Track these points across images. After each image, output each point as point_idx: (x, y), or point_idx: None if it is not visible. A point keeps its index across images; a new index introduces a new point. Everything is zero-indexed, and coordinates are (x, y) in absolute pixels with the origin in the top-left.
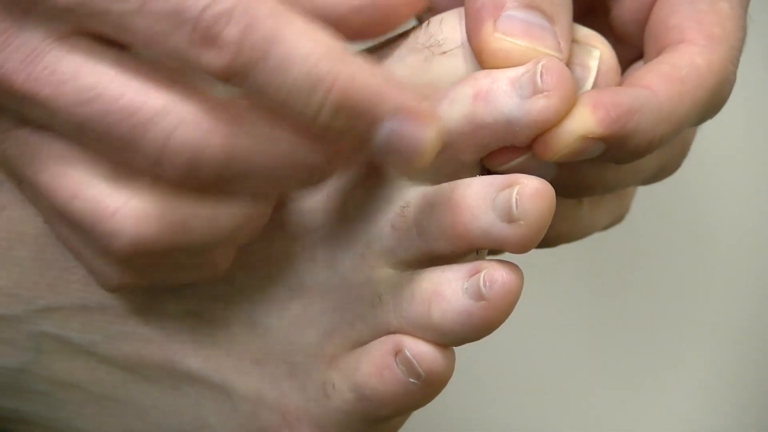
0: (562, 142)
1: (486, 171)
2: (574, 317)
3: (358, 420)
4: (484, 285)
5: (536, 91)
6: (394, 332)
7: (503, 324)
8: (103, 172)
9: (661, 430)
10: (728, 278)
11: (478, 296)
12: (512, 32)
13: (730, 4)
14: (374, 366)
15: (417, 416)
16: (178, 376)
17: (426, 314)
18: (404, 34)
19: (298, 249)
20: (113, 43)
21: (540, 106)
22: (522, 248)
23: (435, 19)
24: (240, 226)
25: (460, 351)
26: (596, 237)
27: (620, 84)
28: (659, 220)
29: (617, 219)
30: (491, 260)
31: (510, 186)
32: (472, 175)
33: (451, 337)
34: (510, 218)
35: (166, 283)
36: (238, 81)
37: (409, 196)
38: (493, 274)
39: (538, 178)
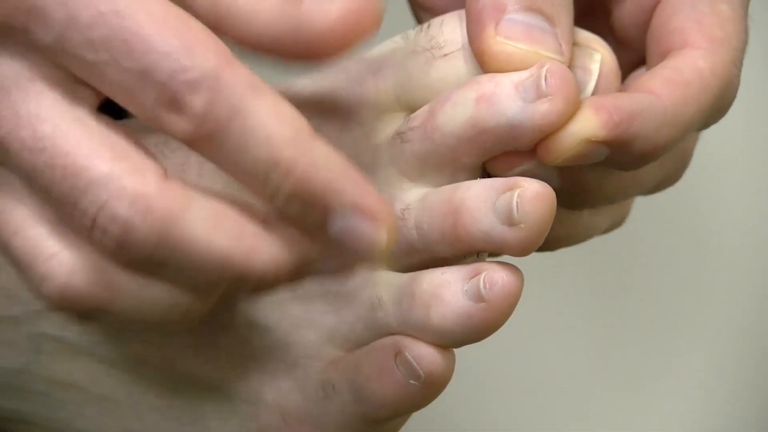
0: (566, 145)
1: (487, 174)
2: (574, 319)
3: (357, 421)
4: (484, 287)
5: (540, 95)
6: (394, 334)
7: (503, 326)
8: (49, 216)
9: (661, 430)
10: (727, 279)
11: (478, 298)
12: (514, 36)
13: (730, 5)
14: (374, 367)
15: (417, 417)
16: (177, 377)
17: (426, 316)
18: (404, 37)
19: None
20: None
21: (544, 110)
22: (522, 251)
23: (435, 21)
24: (167, 312)
25: (460, 352)
26: (596, 239)
27: (621, 87)
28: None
29: (617, 223)
30: (491, 262)
31: (511, 189)
32: (473, 178)
33: (451, 339)
34: (511, 221)
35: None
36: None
37: (409, 199)
38: (493, 275)
39: (539, 181)
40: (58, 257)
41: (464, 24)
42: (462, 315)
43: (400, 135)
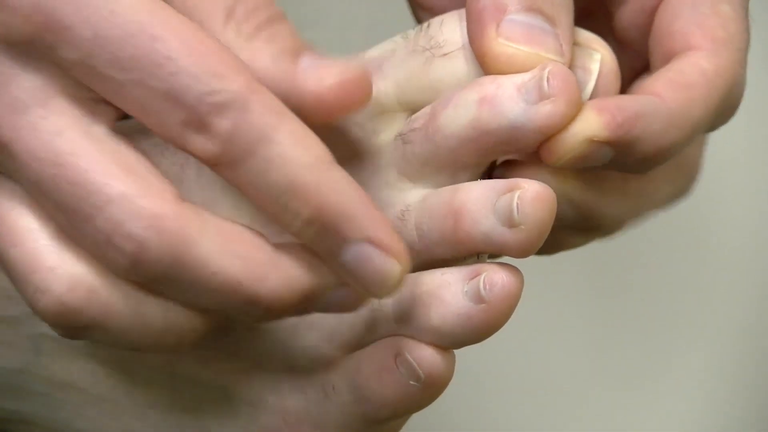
0: (568, 145)
1: (487, 175)
2: (574, 319)
3: (357, 421)
4: (484, 288)
5: (542, 97)
6: (394, 335)
7: (503, 327)
8: (51, 230)
9: (661, 430)
10: (727, 279)
11: (478, 299)
12: (515, 37)
13: (731, 5)
14: (374, 368)
15: (417, 417)
16: (177, 379)
17: (426, 317)
18: (403, 37)
19: None
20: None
21: (546, 111)
22: (523, 253)
23: (435, 21)
24: (162, 334)
25: (460, 353)
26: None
27: (620, 88)
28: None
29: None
30: (491, 263)
31: (511, 190)
32: (474, 179)
33: (451, 340)
34: (511, 223)
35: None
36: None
37: (409, 200)
38: (493, 277)
39: (540, 183)
40: (56, 271)
41: (464, 23)
42: (462, 316)
43: (401, 136)
